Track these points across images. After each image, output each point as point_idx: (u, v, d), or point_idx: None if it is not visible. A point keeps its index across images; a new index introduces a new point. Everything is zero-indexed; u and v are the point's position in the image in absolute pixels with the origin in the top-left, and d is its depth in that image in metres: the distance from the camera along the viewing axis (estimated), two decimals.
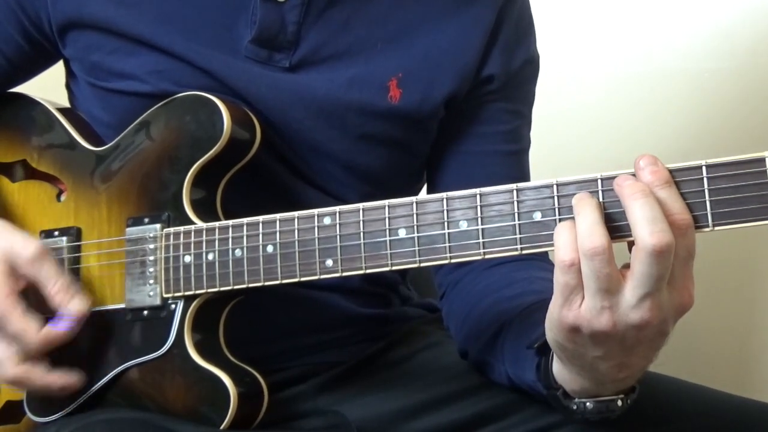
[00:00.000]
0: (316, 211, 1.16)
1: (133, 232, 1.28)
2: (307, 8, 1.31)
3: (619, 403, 1.10)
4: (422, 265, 1.11)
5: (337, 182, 1.35)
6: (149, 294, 1.26)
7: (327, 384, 1.38)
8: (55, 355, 1.26)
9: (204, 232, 1.23)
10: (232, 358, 1.25)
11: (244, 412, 1.21)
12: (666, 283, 0.97)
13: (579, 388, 1.09)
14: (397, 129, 1.35)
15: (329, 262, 1.15)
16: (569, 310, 1.00)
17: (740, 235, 1.92)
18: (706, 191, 0.98)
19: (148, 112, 1.31)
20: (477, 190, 1.08)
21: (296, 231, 1.17)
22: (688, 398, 1.30)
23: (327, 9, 1.33)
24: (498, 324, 1.28)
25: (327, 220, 1.15)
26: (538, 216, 1.05)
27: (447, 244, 1.09)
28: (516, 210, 1.06)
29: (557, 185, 1.04)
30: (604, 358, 1.03)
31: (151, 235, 1.26)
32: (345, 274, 1.14)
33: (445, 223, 1.09)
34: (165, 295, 1.25)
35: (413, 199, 1.11)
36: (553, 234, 1.02)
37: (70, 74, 1.44)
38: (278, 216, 1.18)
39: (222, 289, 1.21)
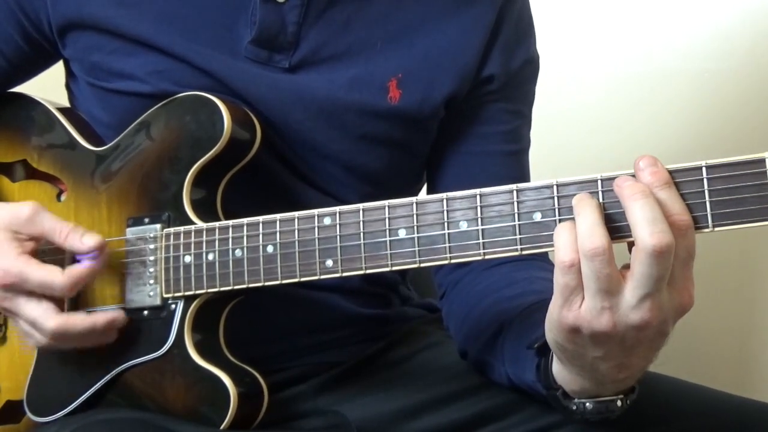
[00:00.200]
0: (316, 211, 1.16)
1: (133, 232, 1.28)
2: (307, 9, 1.31)
3: (619, 403, 1.10)
4: (422, 265, 1.11)
5: (337, 182, 1.35)
6: (149, 294, 1.26)
7: (327, 384, 1.38)
8: (56, 354, 1.26)
9: (204, 232, 1.23)
10: (232, 359, 1.26)
11: (244, 412, 1.22)
12: (666, 284, 0.97)
13: (578, 388, 1.09)
14: (397, 129, 1.35)
15: (329, 263, 1.15)
16: (569, 311, 1.00)
17: (740, 235, 1.92)
18: (706, 192, 0.98)
19: (149, 112, 1.31)
20: (477, 191, 1.08)
21: (296, 231, 1.17)
22: (688, 398, 1.30)
23: (327, 9, 1.33)
24: (498, 324, 1.28)
25: (327, 221, 1.15)
26: (538, 216, 1.05)
27: (447, 245, 1.09)
28: (516, 210, 1.06)
29: (557, 186, 1.04)
30: (604, 359, 1.03)
31: (152, 235, 1.26)
32: (345, 274, 1.14)
33: (445, 224, 1.09)
34: (165, 295, 1.25)
35: (413, 199, 1.11)
36: (553, 235, 1.02)
37: (69, 74, 1.44)
38: (278, 216, 1.18)
39: (222, 289, 1.22)
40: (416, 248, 1.10)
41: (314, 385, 1.38)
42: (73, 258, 1.26)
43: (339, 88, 1.32)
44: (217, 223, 1.23)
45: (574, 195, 1.03)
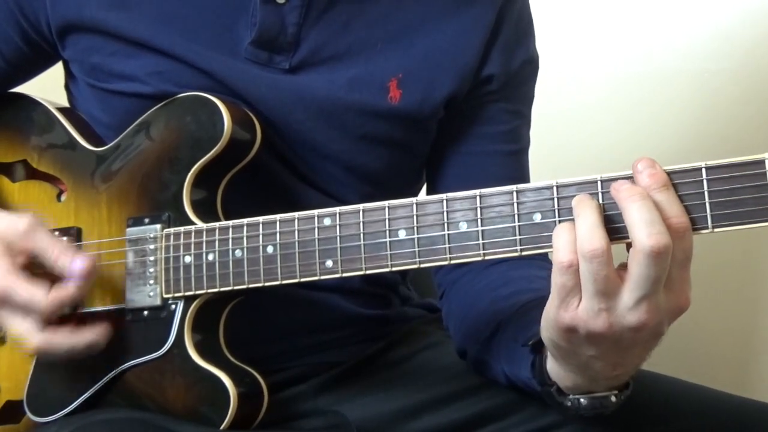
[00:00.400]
0: (316, 211, 1.16)
1: (133, 232, 1.28)
2: (307, 10, 1.31)
3: (613, 399, 1.10)
4: (422, 266, 1.11)
5: (338, 183, 1.35)
6: (149, 294, 1.26)
7: (327, 384, 1.38)
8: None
9: (204, 232, 1.23)
10: (232, 359, 1.26)
11: (244, 412, 1.22)
12: (663, 286, 0.98)
13: (572, 384, 1.10)
14: (397, 129, 1.35)
15: (329, 263, 1.15)
16: (566, 311, 1.01)
17: (740, 236, 1.92)
18: (706, 193, 0.98)
19: (149, 112, 1.31)
20: (477, 192, 1.08)
21: (296, 232, 1.17)
22: (688, 398, 1.31)
23: (327, 10, 1.33)
24: (495, 323, 1.28)
25: (327, 221, 1.15)
26: (537, 217, 1.05)
27: (447, 245, 1.09)
28: (516, 211, 1.06)
29: (557, 186, 1.04)
30: (599, 358, 1.04)
31: (152, 235, 1.26)
32: (345, 274, 1.14)
33: (445, 224, 1.09)
34: (165, 296, 1.25)
35: (413, 200, 1.11)
36: (551, 236, 1.03)
37: (69, 75, 1.44)
38: (278, 217, 1.18)
39: (222, 289, 1.22)
40: (416, 249, 1.11)
41: (314, 385, 1.38)
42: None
43: (339, 88, 1.32)
44: (217, 224, 1.23)
45: (574, 196, 1.03)
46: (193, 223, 1.25)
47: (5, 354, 1.37)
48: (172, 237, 1.25)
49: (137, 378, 1.27)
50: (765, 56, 1.97)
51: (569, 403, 1.12)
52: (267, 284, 1.19)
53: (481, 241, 1.07)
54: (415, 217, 1.11)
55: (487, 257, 1.08)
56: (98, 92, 1.36)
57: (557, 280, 1.00)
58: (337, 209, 1.15)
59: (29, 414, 1.31)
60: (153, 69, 1.32)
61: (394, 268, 1.12)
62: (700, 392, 1.33)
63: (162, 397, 1.25)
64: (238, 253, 1.20)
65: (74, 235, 1.33)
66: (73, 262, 1.21)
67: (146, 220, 1.27)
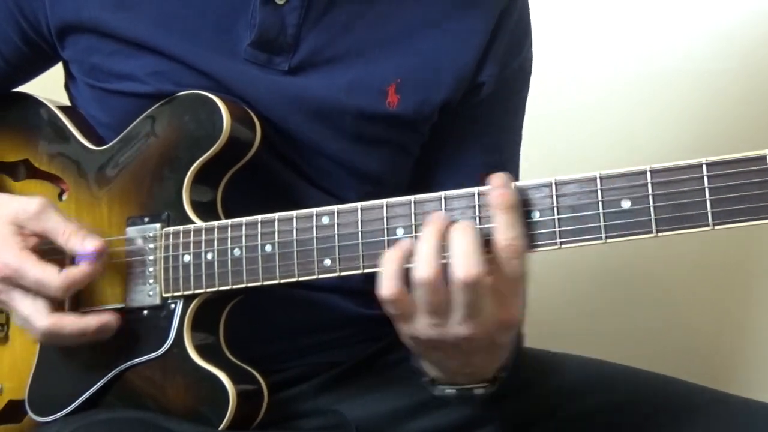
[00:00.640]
0: (314, 210, 1.16)
1: (132, 231, 1.28)
2: (306, 11, 1.31)
3: (480, 391, 1.17)
4: None
5: (338, 181, 1.35)
6: (149, 294, 1.26)
7: (327, 384, 1.38)
8: (57, 354, 1.27)
9: (203, 231, 1.23)
10: (231, 358, 1.26)
11: (243, 411, 1.22)
12: (491, 302, 1.05)
13: (436, 376, 1.17)
14: (393, 132, 1.35)
15: (327, 262, 1.15)
16: (405, 326, 1.09)
17: (740, 235, 1.92)
18: (707, 190, 0.98)
19: (148, 111, 1.31)
20: (475, 189, 1.08)
21: (294, 230, 1.17)
22: (688, 398, 1.30)
23: (327, 12, 1.32)
24: None
25: (325, 220, 1.15)
26: (536, 215, 1.05)
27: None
28: None
29: (555, 184, 1.04)
30: (447, 358, 1.12)
31: (151, 234, 1.26)
32: (343, 273, 1.14)
33: None
34: (164, 295, 1.25)
35: (411, 198, 1.11)
36: (549, 233, 1.05)
37: (68, 76, 1.43)
38: (277, 215, 1.18)
39: (221, 288, 1.22)
40: None
41: (314, 385, 1.38)
42: (73, 258, 1.25)
43: (338, 91, 1.32)
44: (215, 223, 1.23)
45: (573, 193, 1.04)
46: (192, 223, 1.25)
47: (7, 354, 1.38)
48: (171, 236, 1.25)
49: (137, 377, 1.27)
50: (766, 57, 1.97)
51: (438, 393, 1.18)
52: (265, 283, 1.19)
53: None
54: (413, 215, 1.11)
55: None
56: (97, 92, 1.36)
57: (388, 309, 1.08)
58: (335, 207, 1.15)
59: (31, 414, 1.32)
60: (152, 69, 1.31)
61: None
62: (700, 392, 1.33)
63: (162, 396, 1.25)
64: (236, 252, 1.20)
65: None
66: (84, 242, 1.22)
67: (146, 219, 1.28)
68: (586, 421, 1.31)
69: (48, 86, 1.48)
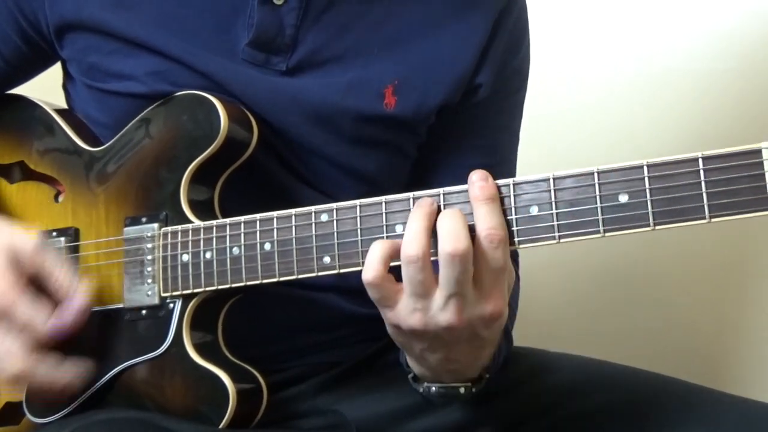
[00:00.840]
0: (313, 208, 1.16)
1: (130, 231, 1.28)
2: (305, 11, 1.31)
3: (462, 390, 1.18)
4: None
5: (335, 182, 1.35)
6: (147, 293, 1.26)
7: (326, 384, 1.38)
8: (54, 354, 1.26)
9: (201, 230, 1.23)
10: (231, 357, 1.26)
11: (243, 410, 1.21)
12: (473, 289, 1.06)
13: (420, 373, 1.18)
14: (391, 133, 1.35)
15: (327, 259, 1.15)
16: (390, 310, 1.09)
17: (739, 235, 1.93)
18: (703, 183, 0.99)
19: (145, 111, 1.31)
20: None
21: (293, 228, 1.17)
22: (688, 398, 1.30)
23: (325, 12, 1.32)
24: None
25: (324, 217, 1.15)
26: (534, 210, 1.06)
27: None
28: (513, 204, 1.07)
29: (553, 179, 1.05)
30: (429, 351, 1.12)
31: (149, 234, 1.26)
32: (343, 270, 1.14)
33: None
34: (163, 295, 1.25)
35: (410, 194, 1.11)
36: (548, 227, 1.05)
37: (67, 75, 1.44)
38: (275, 214, 1.18)
39: (220, 287, 1.21)
40: None
41: (314, 385, 1.38)
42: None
43: (336, 92, 1.32)
44: (214, 222, 1.23)
45: (571, 188, 1.04)
46: (190, 222, 1.25)
47: None
48: (169, 236, 1.25)
49: (136, 377, 1.26)
50: (766, 57, 1.97)
51: (421, 390, 1.19)
52: (265, 281, 1.19)
53: None
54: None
55: None
56: (95, 92, 1.36)
57: (371, 293, 1.09)
58: (334, 205, 1.15)
59: (29, 415, 1.31)
60: (150, 69, 1.32)
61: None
62: (700, 393, 1.32)
63: (161, 396, 1.25)
64: (235, 250, 1.20)
65: (72, 235, 1.33)
66: (75, 293, 1.22)
67: (144, 219, 1.28)
68: (585, 421, 1.31)
69: (46, 86, 1.49)
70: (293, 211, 1.17)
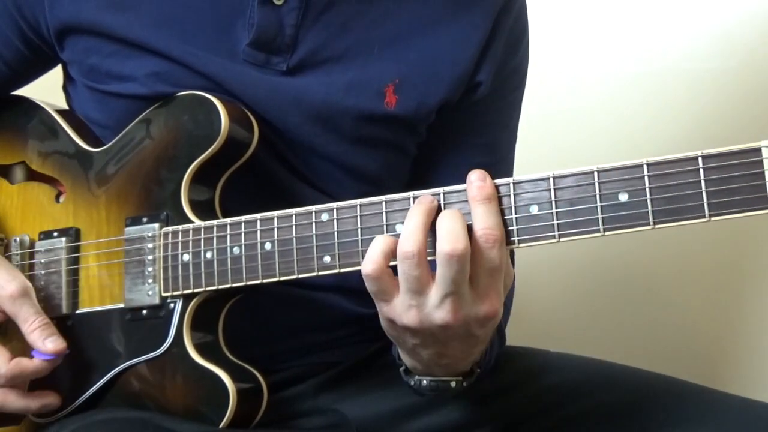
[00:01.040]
0: (313, 207, 1.17)
1: (131, 231, 1.28)
2: (305, 11, 1.31)
3: (453, 384, 1.18)
4: None
5: (335, 182, 1.35)
6: (148, 293, 1.26)
7: (327, 383, 1.38)
8: None
9: (202, 230, 1.23)
10: (231, 357, 1.26)
11: (243, 410, 1.21)
12: (469, 289, 1.06)
13: (411, 366, 1.19)
14: (392, 132, 1.35)
15: (327, 259, 1.15)
16: (384, 305, 1.10)
17: (739, 234, 1.93)
18: (702, 182, 0.99)
19: (146, 112, 1.32)
20: None
21: (294, 228, 1.17)
22: (689, 398, 1.30)
23: (325, 12, 1.33)
24: None
25: (324, 217, 1.15)
26: (534, 209, 1.06)
27: None
28: (513, 204, 1.07)
29: (554, 178, 1.05)
30: (422, 346, 1.12)
31: (150, 234, 1.26)
32: (343, 270, 1.15)
33: None
34: (164, 294, 1.25)
35: (410, 194, 1.11)
36: (548, 226, 1.05)
37: (67, 77, 1.44)
38: (276, 213, 1.19)
39: (220, 287, 1.22)
40: None
41: (314, 385, 1.38)
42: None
43: (336, 92, 1.32)
44: (215, 222, 1.23)
45: (571, 187, 1.04)
46: (191, 222, 1.25)
47: None
48: (170, 235, 1.25)
49: (136, 377, 1.27)
50: (766, 57, 1.97)
51: (412, 383, 1.20)
52: (265, 281, 1.19)
53: None
54: None
55: None
56: (96, 94, 1.36)
57: (369, 287, 1.09)
58: (334, 204, 1.15)
59: (29, 415, 1.31)
60: (150, 70, 1.32)
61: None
62: (700, 392, 1.33)
63: (161, 396, 1.25)
64: (236, 250, 1.20)
65: (73, 235, 1.33)
66: (46, 341, 1.24)
67: (144, 220, 1.28)
68: (585, 421, 1.31)
69: (47, 87, 1.49)
70: (293, 210, 1.18)
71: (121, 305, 1.28)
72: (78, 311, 1.31)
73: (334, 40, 1.33)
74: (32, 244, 1.36)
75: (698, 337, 2.05)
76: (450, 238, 1.04)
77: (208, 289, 1.22)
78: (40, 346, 1.24)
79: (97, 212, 1.33)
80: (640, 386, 1.34)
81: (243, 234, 1.20)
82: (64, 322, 1.30)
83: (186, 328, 1.24)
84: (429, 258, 1.06)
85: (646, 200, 1.01)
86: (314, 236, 1.16)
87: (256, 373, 1.25)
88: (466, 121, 1.40)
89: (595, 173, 1.03)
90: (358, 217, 1.14)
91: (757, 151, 0.97)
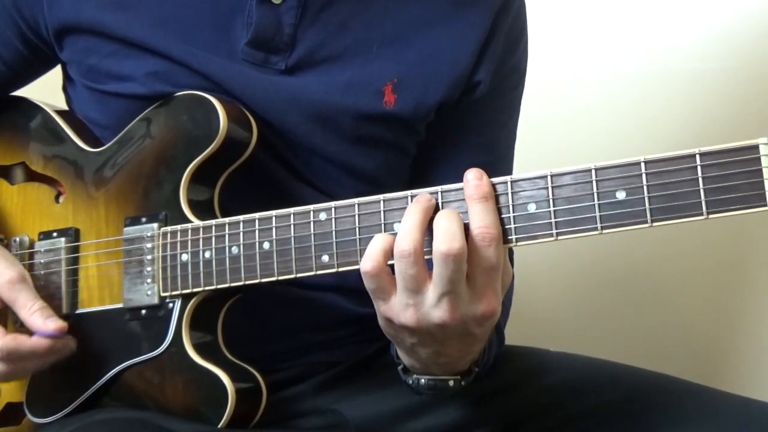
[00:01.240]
0: (311, 207, 1.17)
1: (130, 231, 1.28)
2: (303, 10, 1.31)
3: (451, 383, 1.18)
4: None
5: (334, 181, 1.35)
6: (147, 293, 1.26)
7: (326, 383, 1.38)
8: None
9: (201, 230, 1.23)
10: (230, 357, 1.26)
11: (242, 410, 1.21)
12: (466, 288, 1.06)
13: (410, 365, 1.19)
14: (390, 132, 1.35)
15: (325, 258, 1.15)
16: (384, 303, 1.10)
17: (739, 234, 1.93)
18: (700, 179, 0.99)
19: (145, 112, 1.32)
20: None
21: (292, 227, 1.17)
22: (689, 398, 1.30)
23: (323, 10, 1.33)
24: None
25: (322, 216, 1.15)
26: (532, 208, 1.06)
27: None
28: (510, 202, 1.07)
29: (551, 176, 1.05)
30: (420, 345, 1.12)
31: (149, 234, 1.27)
32: (341, 269, 1.15)
33: None
34: (162, 294, 1.25)
35: (408, 193, 1.11)
36: (546, 224, 1.05)
37: (66, 77, 1.44)
38: (274, 213, 1.19)
39: (219, 286, 1.22)
40: None
41: (313, 385, 1.37)
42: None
43: (335, 91, 1.32)
44: (213, 221, 1.23)
45: (569, 185, 1.04)
46: (190, 222, 1.25)
47: None
48: (169, 235, 1.25)
49: (136, 377, 1.27)
50: (765, 56, 1.97)
51: (410, 381, 1.20)
52: (264, 280, 1.19)
53: None
54: None
55: None
56: (95, 94, 1.36)
57: (367, 284, 1.09)
58: (332, 204, 1.15)
59: (29, 415, 1.32)
60: (150, 70, 1.32)
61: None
62: (700, 392, 1.33)
63: (161, 395, 1.25)
64: (234, 249, 1.21)
65: (72, 235, 1.33)
66: (46, 321, 1.23)
67: (143, 219, 1.28)
68: (585, 421, 1.31)
69: (47, 88, 1.49)
70: (292, 210, 1.18)
71: (120, 305, 1.28)
72: (77, 311, 1.31)
73: (332, 39, 1.33)
74: (32, 245, 1.36)
75: (698, 337, 2.05)
76: (446, 237, 1.04)
77: (206, 288, 1.22)
78: (41, 325, 1.23)
79: (97, 212, 1.33)
80: (641, 385, 1.34)
81: (241, 233, 1.20)
82: None
83: (185, 327, 1.24)
84: (426, 257, 1.06)
85: (643, 198, 1.01)
86: (312, 235, 1.16)
87: (255, 373, 1.25)
88: (465, 120, 1.40)
89: (593, 171, 1.03)
90: (356, 216, 1.14)
91: (755, 148, 0.97)
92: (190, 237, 1.24)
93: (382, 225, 1.12)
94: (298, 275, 1.17)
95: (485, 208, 1.06)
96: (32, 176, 1.41)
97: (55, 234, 1.34)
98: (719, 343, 2.06)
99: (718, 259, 1.97)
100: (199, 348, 1.23)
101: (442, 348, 1.12)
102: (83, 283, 1.32)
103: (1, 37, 1.41)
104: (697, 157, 0.99)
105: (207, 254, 1.22)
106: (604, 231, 1.02)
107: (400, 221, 1.10)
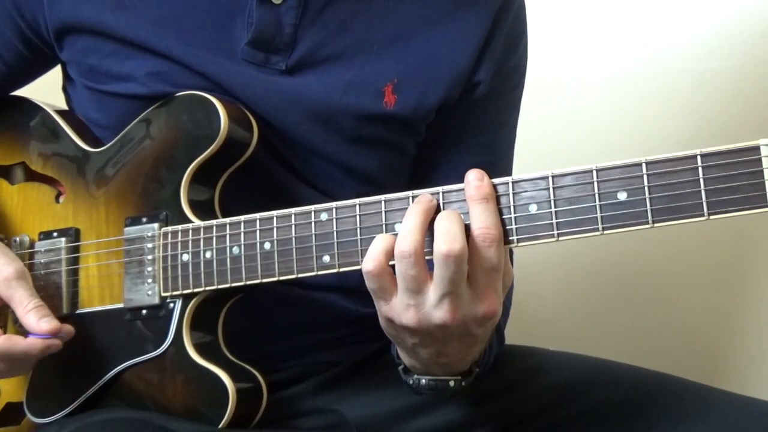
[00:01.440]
0: (312, 207, 1.17)
1: (131, 231, 1.28)
2: (303, 10, 1.31)
3: (452, 383, 1.18)
4: None
5: (335, 181, 1.35)
6: (148, 293, 1.26)
7: (326, 383, 1.38)
8: (55, 356, 1.26)
9: (201, 230, 1.23)
10: (231, 357, 1.26)
11: (243, 410, 1.22)
12: (468, 289, 1.06)
13: (410, 365, 1.19)
14: (391, 132, 1.35)
15: (326, 258, 1.15)
16: (385, 304, 1.10)
17: (739, 234, 1.93)
18: (701, 180, 0.99)
19: (146, 112, 1.32)
20: None
21: (293, 227, 1.17)
22: (690, 397, 1.30)
23: (324, 10, 1.33)
24: None
25: (324, 216, 1.16)
26: (533, 208, 1.06)
27: None
28: (512, 203, 1.07)
29: (552, 177, 1.05)
30: (421, 345, 1.12)
31: (149, 234, 1.27)
32: (342, 269, 1.15)
33: None
34: (163, 294, 1.25)
35: (409, 193, 1.12)
36: (547, 225, 1.05)
37: (66, 78, 1.44)
38: (275, 213, 1.19)
39: (220, 287, 1.22)
40: None
41: (314, 385, 1.38)
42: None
43: (335, 91, 1.32)
44: (214, 221, 1.23)
45: (570, 186, 1.04)
46: (190, 222, 1.25)
47: None
48: (170, 235, 1.25)
49: (136, 377, 1.27)
50: (765, 56, 1.97)
51: (411, 381, 1.20)
52: (264, 280, 1.19)
53: None
54: None
55: None
56: (95, 94, 1.36)
57: (369, 284, 1.09)
58: (333, 204, 1.15)
59: (29, 415, 1.32)
60: (150, 70, 1.32)
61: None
62: (700, 391, 1.33)
63: (161, 396, 1.25)
64: (235, 250, 1.21)
65: (72, 235, 1.33)
66: (40, 321, 1.22)
67: (144, 220, 1.28)
68: (585, 420, 1.31)
69: (47, 88, 1.49)
70: (293, 210, 1.18)
71: (121, 305, 1.28)
72: (78, 311, 1.31)
73: (332, 39, 1.33)
74: (32, 245, 1.36)
75: (698, 337, 2.05)
76: (447, 238, 1.04)
77: (207, 288, 1.22)
78: (34, 326, 1.22)
79: (97, 212, 1.33)
80: (641, 384, 1.34)
81: (242, 234, 1.20)
82: (64, 323, 1.30)
83: (185, 327, 1.24)
84: (427, 257, 1.06)
85: (645, 199, 1.01)
86: (313, 236, 1.16)
87: (256, 373, 1.25)
88: (465, 120, 1.40)
89: (594, 172, 1.03)
90: (357, 217, 1.14)
91: (756, 149, 0.97)
92: (190, 237, 1.24)
93: (384, 225, 1.12)
94: (300, 275, 1.17)
95: (486, 209, 1.06)
96: (32, 176, 1.41)
97: (55, 234, 1.34)
98: (719, 343, 2.06)
99: (719, 259, 1.97)
100: (199, 348, 1.23)
101: (442, 348, 1.12)
102: (83, 283, 1.32)
103: (1, 37, 1.41)
104: (699, 158, 0.99)
105: (208, 254, 1.22)
106: (606, 232, 1.02)
107: (401, 222, 1.10)
